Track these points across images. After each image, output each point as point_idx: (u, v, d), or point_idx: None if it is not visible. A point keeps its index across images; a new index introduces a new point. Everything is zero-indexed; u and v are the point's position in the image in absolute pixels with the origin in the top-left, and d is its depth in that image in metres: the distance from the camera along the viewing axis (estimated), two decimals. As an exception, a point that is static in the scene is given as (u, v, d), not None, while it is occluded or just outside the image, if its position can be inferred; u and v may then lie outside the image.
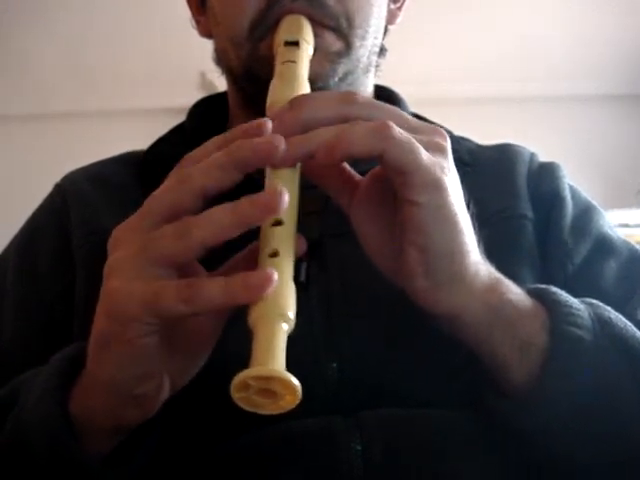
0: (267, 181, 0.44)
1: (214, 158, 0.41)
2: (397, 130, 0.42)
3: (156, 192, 0.42)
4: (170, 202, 0.41)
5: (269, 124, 0.42)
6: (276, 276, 0.38)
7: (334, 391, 0.53)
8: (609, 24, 2.42)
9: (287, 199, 0.39)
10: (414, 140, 0.43)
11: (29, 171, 2.41)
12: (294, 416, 0.49)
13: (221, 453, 0.51)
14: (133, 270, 0.39)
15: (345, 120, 0.44)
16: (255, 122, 0.43)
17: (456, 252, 0.45)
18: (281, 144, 0.41)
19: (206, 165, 0.41)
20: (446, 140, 0.46)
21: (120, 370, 0.41)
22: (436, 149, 0.45)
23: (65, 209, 0.65)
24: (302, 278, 0.56)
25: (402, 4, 0.73)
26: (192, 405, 0.49)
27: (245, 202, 0.39)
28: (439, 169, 0.43)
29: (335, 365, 0.53)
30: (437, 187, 0.43)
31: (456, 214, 0.44)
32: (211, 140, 0.44)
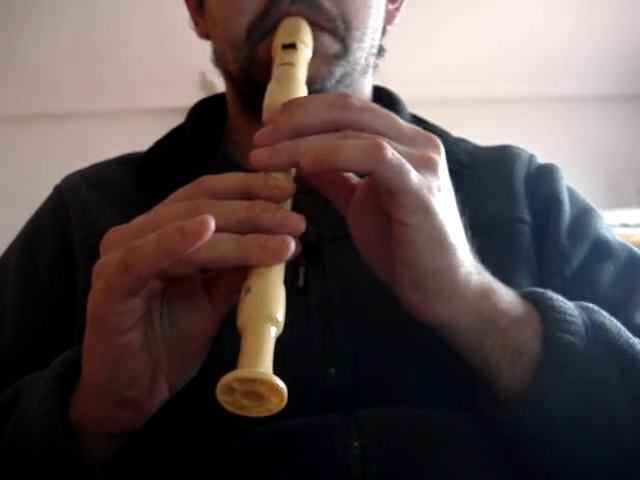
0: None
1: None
2: (389, 152, 0.42)
3: (155, 210, 0.42)
4: (170, 218, 0.40)
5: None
6: (212, 223, 0.37)
7: (332, 394, 0.53)
8: (609, 24, 2.42)
9: (293, 247, 0.40)
10: (405, 162, 0.42)
11: (29, 171, 2.41)
12: (292, 417, 0.50)
13: (219, 451, 0.51)
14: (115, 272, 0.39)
15: (338, 125, 0.44)
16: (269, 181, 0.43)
17: (445, 269, 0.45)
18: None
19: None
20: (439, 152, 0.46)
21: (107, 372, 0.42)
22: (427, 165, 0.44)
23: (65, 211, 0.65)
24: (300, 283, 0.56)
25: (400, 5, 0.73)
26: (190, 407, 0.49)
27: (254, 241, 0.39)
28: (427, 191, 0.43)
29: (333, 370, 0.53)
30: (425, 210, 0.43)
31: (445, 232, 0.44)
32: (230, 175, 0.43)
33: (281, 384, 0.37)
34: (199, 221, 0.36)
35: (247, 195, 0.42)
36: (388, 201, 0.43)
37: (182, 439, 0.52)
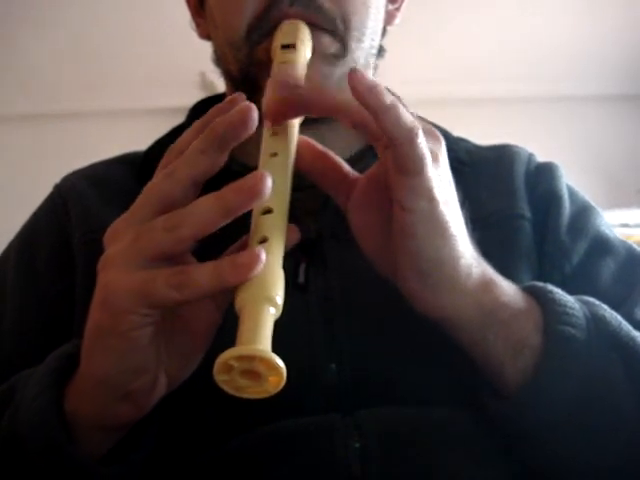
0: (259, 170, 0.45)
1: (194, 146, 0.41)
2: (422, 134, 0.43)
3: (147, 187, 0.42)
4: (161, 195, 0.41)
5: (242, 97, 0.43)
6: (264, 256, 0.38)
7: (333, 391, 0.53)
8: (609, 24, 2.42)
9: (270, 184, 0.39)
10: (428, 150, 0.43)
11: (29, 171, 2.41)
12: (293, 415, 0.50)
13: (219, 452, 0.51)
14: (125, 263, 0.40)
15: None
16: (228, 98, 0.43)
17: (445, 258, 0.45)
18: (252, 110, 0.41)
19: (188, 154, 0.42)
20: (441, 144, 0.47)
21: (114, 363, 0.42)
22: (431, 156, 0.45)
23: (65, 209, 0.65)
24: (301, 279, 0.56)
25: (400, 5, 0.72)
26: (190, 404, 0.49)
27: (229, 189, 0.39)
28: (436, 179, 0.44)
29: (334, 366, 0.53)
30: (430, 198, 0.44)
31: (446, 222, 0.45)
32: (191, 127, 0.44)
33: (280, 362, 0.36)
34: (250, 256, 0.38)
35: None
36: (397, 182, 0.43)
37: (182, 439, 0.52)
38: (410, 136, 0.42)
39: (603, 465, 0.48)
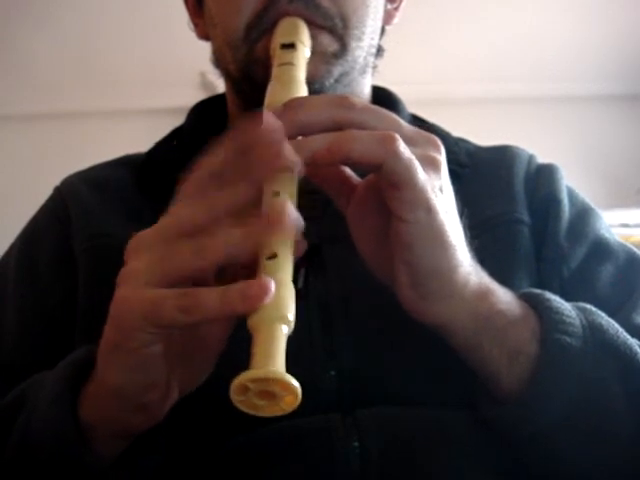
0: (265, 187, 0.44)
1: (236, 178, 0.40)
2: (401, 145, 0.42)
3: (176, 209, 0.42)
4: (192, 221, 0.40)
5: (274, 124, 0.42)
6: (273, 285, 0.38)
7: (333, 396, 0.53)
8: (609, 24, 2.42)
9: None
10: (414, 157, 0.43)
11: (29, 171, 2.41)
12: (292, 416, 0.50)
13: (220, 453, 0.51)
14: (146, 280, 0.39)
15: (339, 125, 0.44)
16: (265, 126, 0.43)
17: (444, 268, 0.45)
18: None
19: (232, 187, 0.41)
20: (440, 151, 0.46)
21: (127, 378, 0.42)
22: (430, 164, 0.45)
23: (65, 213, 0.65)
24: (300, 285, 0.56)
25: (399, 4, 0.72)
26: (190, 405, 0.49)
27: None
28: (431, 189, 0.43)
29: (334, 372, 0.53)
30: (428, 208, 0.43)
31: (445, 232, 0.44)
32: (224, 146, 0.43)
33: (295, 383, 0.37)
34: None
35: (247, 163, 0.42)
36: (392, 196, 0.43)
37: (183, 439, 0.52)
38: (388, 154, 0.42)
39: (599, 468, 0.48)
